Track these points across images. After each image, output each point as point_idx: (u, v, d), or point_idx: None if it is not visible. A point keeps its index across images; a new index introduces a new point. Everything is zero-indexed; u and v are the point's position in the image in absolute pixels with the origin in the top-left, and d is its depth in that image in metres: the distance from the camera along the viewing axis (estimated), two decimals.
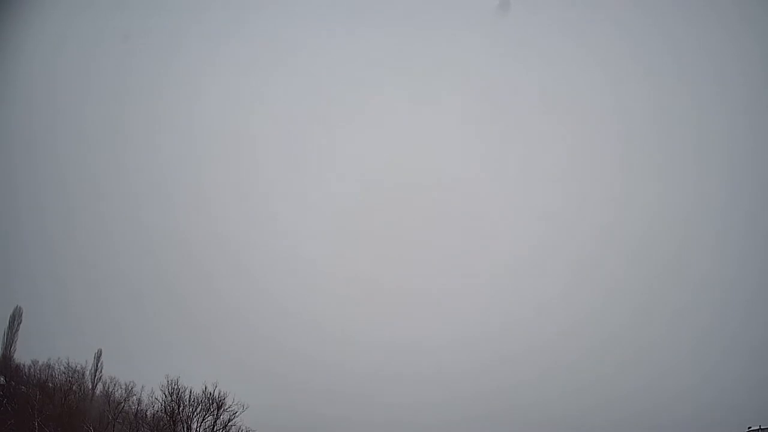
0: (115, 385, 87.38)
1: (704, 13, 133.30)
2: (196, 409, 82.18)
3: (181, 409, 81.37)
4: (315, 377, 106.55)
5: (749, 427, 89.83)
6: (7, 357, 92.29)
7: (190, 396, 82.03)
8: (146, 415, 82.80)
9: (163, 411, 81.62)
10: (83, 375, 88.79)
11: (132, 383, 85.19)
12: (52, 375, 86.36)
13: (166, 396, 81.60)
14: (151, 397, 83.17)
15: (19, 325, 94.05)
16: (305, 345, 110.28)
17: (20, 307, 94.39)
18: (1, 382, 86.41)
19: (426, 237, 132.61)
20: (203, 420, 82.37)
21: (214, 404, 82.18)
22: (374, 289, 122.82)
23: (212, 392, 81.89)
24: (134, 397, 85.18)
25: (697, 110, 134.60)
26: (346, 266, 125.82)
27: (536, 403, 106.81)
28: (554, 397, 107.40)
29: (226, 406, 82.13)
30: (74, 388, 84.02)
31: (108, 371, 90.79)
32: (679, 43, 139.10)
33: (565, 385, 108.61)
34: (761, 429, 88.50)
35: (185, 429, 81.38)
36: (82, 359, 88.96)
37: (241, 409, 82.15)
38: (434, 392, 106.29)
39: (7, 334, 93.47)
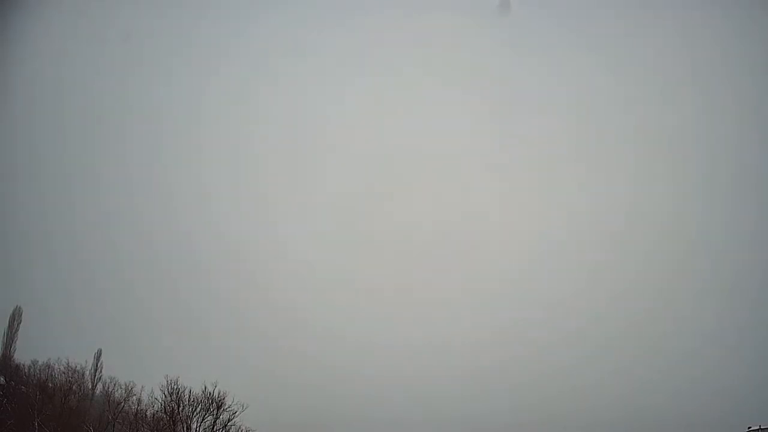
0: (114, 385, 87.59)
1: (711, 11, 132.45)
2: (195, 409, 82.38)
3: (180, 408, 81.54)
4: (315, 377, 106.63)
5: (749, 427, 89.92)
6: (7, 357, 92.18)
7: (189, 396, 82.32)
8: (146, 415, 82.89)
9: (163, 411, 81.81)
10: (83, 375, 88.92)
11: (132, 383, 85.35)
12: (52, 375, 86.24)
13: (165, 396, 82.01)
14: (151, 397, 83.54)
15: (19, 325, 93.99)
16: (305, 345, 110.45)
17: (20, 307, 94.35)
18: (1, 382, 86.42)
19: (431, 237, 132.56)
20: (203, 420, 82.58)
21: (214, 404, 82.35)
22: (377, 290, 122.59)
23: (212, 392, 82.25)
24: (134, 397, 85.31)
25: (706, 110, 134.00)
26: (348, 267, 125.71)
27: (541, 402, 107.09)
28: (559, 396, 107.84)
29: (226, 406, 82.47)
30: (74, 388, 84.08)
31: (108, 371, 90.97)
32: (686, 41, 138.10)
33: (568, 386, 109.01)
34: (761, 429, 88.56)
35: (185, 429, 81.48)
36: (82, 359, 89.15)
37: (240, 409, 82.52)
38: (437, 392, 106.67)
39: (7, 334, 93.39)
